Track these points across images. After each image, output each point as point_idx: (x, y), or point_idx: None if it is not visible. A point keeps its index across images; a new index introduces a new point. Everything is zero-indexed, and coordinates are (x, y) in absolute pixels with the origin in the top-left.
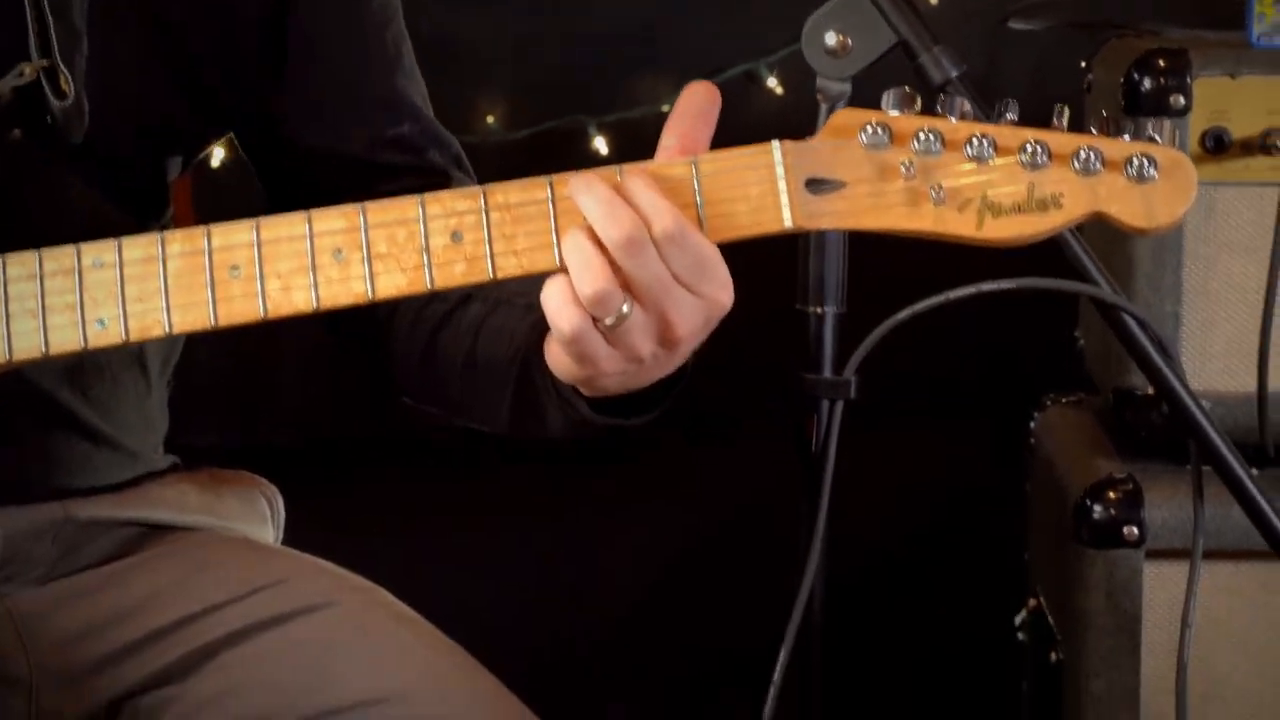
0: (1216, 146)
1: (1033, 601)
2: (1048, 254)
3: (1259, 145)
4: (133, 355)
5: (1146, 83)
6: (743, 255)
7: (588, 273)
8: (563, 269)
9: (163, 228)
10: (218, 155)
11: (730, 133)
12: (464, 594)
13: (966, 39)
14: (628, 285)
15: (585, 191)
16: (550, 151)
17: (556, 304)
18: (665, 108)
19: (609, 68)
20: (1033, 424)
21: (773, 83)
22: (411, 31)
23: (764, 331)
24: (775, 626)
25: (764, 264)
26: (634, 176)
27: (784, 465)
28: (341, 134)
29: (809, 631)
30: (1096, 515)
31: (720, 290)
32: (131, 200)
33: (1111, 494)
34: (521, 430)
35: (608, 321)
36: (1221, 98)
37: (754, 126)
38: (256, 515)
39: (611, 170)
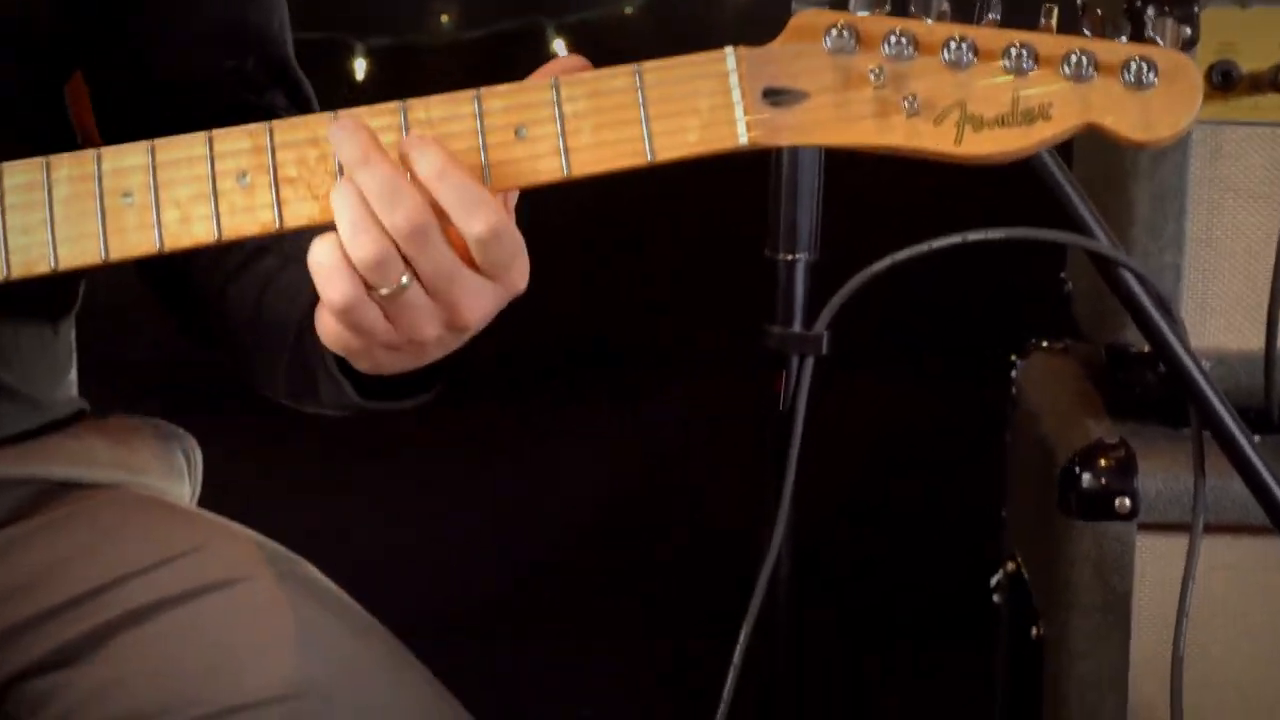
0: (1224, 82)
1: (1010, 565)
2: (1038, 198)
3: (1270, 81)
4: (35, 290)
5: (1150, 11)
6: (705, 194)
7: (362, 234)
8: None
9: None
10: None
11: (694, 42)
12: (423, 530)
13: None
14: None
15: (362, 166)
16: (506, 55)
17: (326, 267)
18: (629, 9)
19: None
20: (1014, 372)
21: None
22: None
23: (728, 279)
24: (740, 577)
25: (728, 205)
26: (423, 149)
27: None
28: (181, 60)
29: (776, 592)
30: (1085, 484)
31: (520, 275)
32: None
33: (1102, 461)
34: (297, 401)
35: (383, 291)
36: (1230, 29)
37: (718, 36)
38: (173, 470)
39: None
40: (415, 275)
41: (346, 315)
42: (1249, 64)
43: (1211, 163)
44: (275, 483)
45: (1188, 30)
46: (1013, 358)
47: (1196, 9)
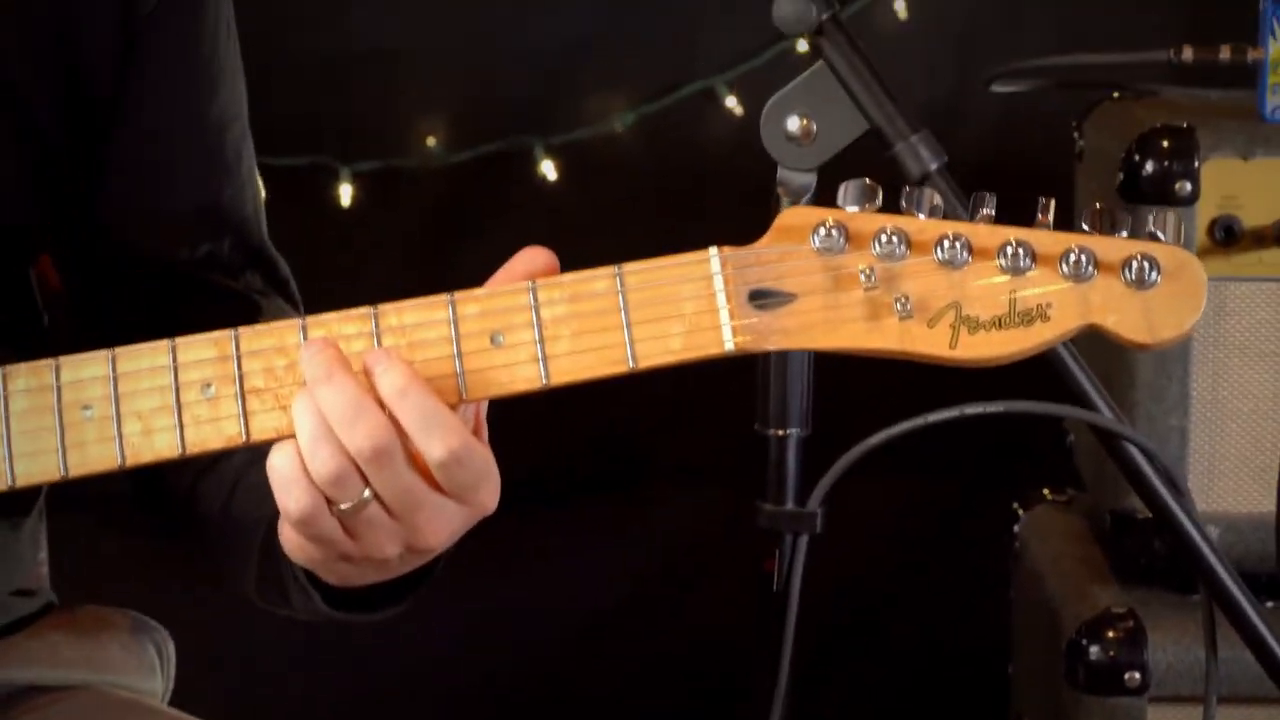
0: (1227, 237)
1: None
2: (1035, 360)
3: (1274, 236)
4: None
5: (1149, 166)
6: (693, 366)
7: (322, 449)
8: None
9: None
10: None
11: (686, 158)
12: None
13: (938, 100)
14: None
15: (324, 384)
16: (495, 176)
17: (284, 477)
18: (618, 128)
19: (558, 85)
20: (1017, 526)
21: (731, 102)
22: (346, 47)
23: (717, 456)
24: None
25: (717, 378)
26: (387, 365)
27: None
28: (155, 243)
29: None
30: (1093, 657)
31: (490, 496)
32: None
33: (1110, 633)
34: (268, 604)
35: (343, 506)
36: (1232, 182)
37: (711, 151)
38: (143, 665)
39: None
40: (376, 494)
41: (304, 527)
42: (1251, 219)
43: (1215, 321)
44: None
45: (1188, 185)
46: (1015, 507)
47: (1197, 163)
